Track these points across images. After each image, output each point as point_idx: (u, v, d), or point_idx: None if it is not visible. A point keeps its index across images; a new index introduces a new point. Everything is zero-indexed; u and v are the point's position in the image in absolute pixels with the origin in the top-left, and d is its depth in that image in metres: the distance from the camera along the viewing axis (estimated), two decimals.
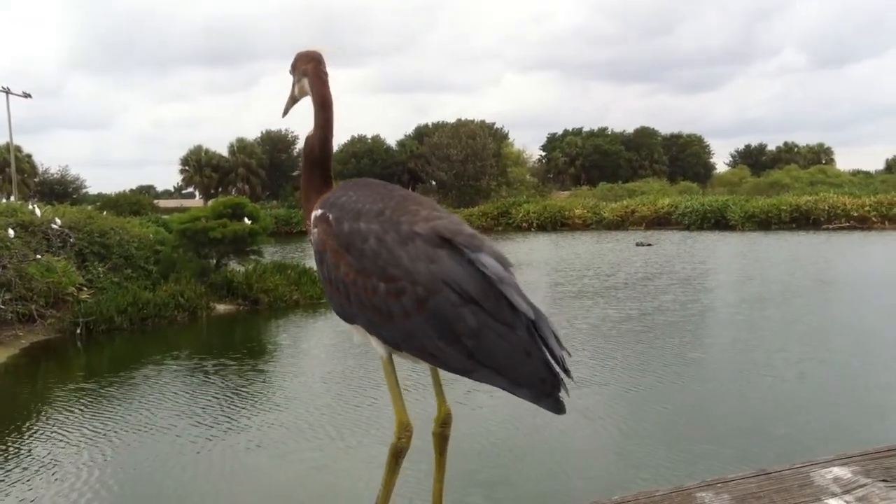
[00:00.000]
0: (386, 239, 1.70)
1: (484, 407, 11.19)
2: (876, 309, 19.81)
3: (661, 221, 54.83)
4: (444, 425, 1.86)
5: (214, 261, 23.38)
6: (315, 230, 1.89)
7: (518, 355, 1.56)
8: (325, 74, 2.05)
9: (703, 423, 11.00)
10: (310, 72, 2.05)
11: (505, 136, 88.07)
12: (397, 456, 1.81)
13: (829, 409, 11.40)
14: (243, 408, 12.26)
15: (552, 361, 1.58)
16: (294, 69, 2.11)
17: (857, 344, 15.56)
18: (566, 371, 1.59)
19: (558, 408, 1.56)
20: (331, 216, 1.85)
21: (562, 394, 1.57)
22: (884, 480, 1.43)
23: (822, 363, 14.12)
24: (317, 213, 1.91)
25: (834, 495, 1.41)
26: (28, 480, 9.29)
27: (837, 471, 1.48)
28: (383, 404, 12.09)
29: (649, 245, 39.75)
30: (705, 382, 13.16)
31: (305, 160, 2.07)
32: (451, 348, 1.60)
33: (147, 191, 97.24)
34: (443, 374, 1.81)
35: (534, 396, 1.56)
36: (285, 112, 2.23)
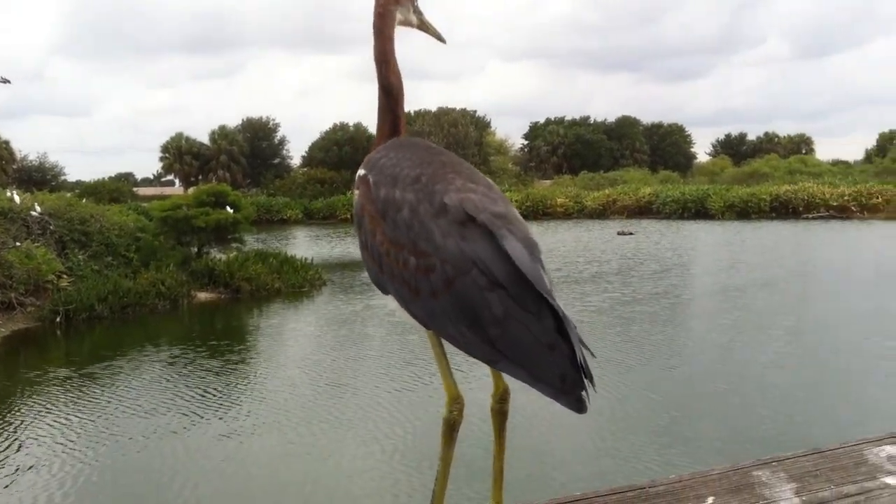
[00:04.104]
0: (419, 210, 1.65)
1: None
2: (855, 299, 20.01)
3: (642, 211, 55.00)
4: (502, 401, 1.76)
5: (196, 249, 23.27)
6: (356, 192, 1.84)
7: (541, 348, 1.50)
8: (388, 6, 2.05)
9: (686, 412, 11.07)
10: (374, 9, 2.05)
11: (487, 125, 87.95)
12: (451, 429, 1.74)
13: (806, 401, 11.52)
14: (223, 396, 12.24)
15: (576, 358, 1.51)
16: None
17: (837, 336, 15.72)
18: (589, 374, 1.53)
19: (580, 406, 1.51)
20: (371, 178, 1.80)
21: (584, 393, 1.51)
22: None
23: (800, 353, 14.26)
24: (360, 172, 1.86)
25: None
26: (5, 468, 9.26)
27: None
28: (364, 393, 12.14)
29: (631, 234, 39.89)
30: (682, 371, 13.26)
31: (378, 106, 2.07)
32: (473, 334, 1.54)
33: (126, 178, 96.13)
34: None
35: (554, 393, 1.50)
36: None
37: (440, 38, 2.24)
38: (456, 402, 1.72)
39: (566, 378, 1.48)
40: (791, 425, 10.16)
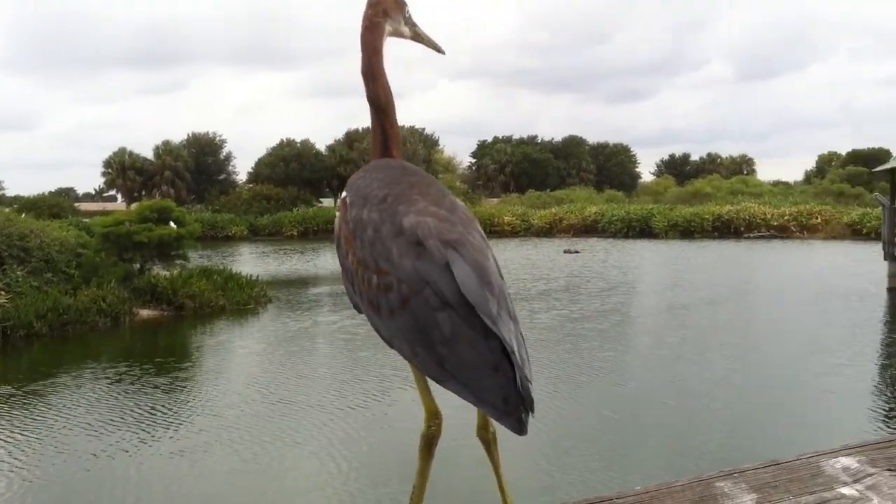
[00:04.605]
0: (381, 230, 1.65)
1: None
2: (797, 316, 20.45)
3: (588, 229, 55.50)
4: (485, 427, 1.75)
5: (138, 265, 22.85)
6: (337, 214, 1.84)
7: (486, 370, 1.49)
8: (375, 18, 1.98)
9: (626, 429, 11.18)
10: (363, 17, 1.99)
11: (435, 143, 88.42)
12: (429, 445, 1.74)
13: (751, 416, 11.70)
14: (172, 414, 12.04)
15: (519, 380, 1.49)
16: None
17: (780, 352, 16.03)
18: (529, 398, 1.50)
19: (520, 428, 1.49)
20: (348, 199, 1.81)
21: (525, 415, 1.50)
22: (889, 470, 1.48)
23: (745, 370, 14.49)
24: (342, 194, 1.87)
25: (845, 484, 1.46)
26: None
27: (845, 461, 1.53)
28: (316, 410, 12.03)
29: (577, 252, 40.25)
30: (630, 388, 13.38)
31: (371, 122, 2.02)
32: (425, 353, 1.55)
33: (67, 193, 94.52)
34: None
35: (497, 414, 1.49)
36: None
37: (438, 49, 2.19)
38: (434, 418, 1.72)
39: (509, 400, 1.48)
40: (736, 439, 10.31)
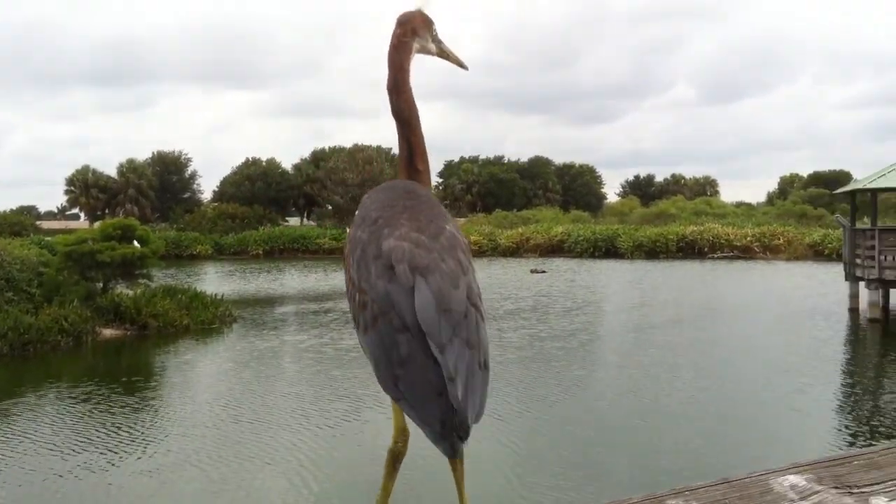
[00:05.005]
0: (367, 251, 1.73)
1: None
2: (760, 336, 20.69)
3: (554, 249, 55.87)
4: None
5: (101, 284, 22.53)
6: (349, 232, 1.91)
7: (431, 393, 1.56)
8: (403, 37, 2.04)
9: (593, 447, 11.22)
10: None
11: None
12: (395, 460, 1.82)
13: (718, 434, 11.78)
14: (131, 435, 11.81)
15: (457, 406, 1.55)
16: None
17: (744, 371, 16.19)
18: (466, 427, 1.56)
19: (452, 452, 1.58)
20: (356, 218, 1.88)
21: (458, 441, 1.57)
22: (835, 487, 1.50)
23: (712, 388, 14.61)
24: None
25: (792, 501, 1.48)
26: None
27: (793, 478, 1.54)
28: (287, 429, 11.92)
29: (543, 272, 40.45)
30: (598, 406, 13.42)
31: (397, 136, 2.07)
32: (385, 371, 1.61)
33: (29, 211, 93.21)
34: None
35: (434, 436, 1.57)
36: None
37: (462, 66, 2.27)
38: (402, 434, 1.81)
39: (445, 424, 1.55)
40: (700, 457, 10.37)
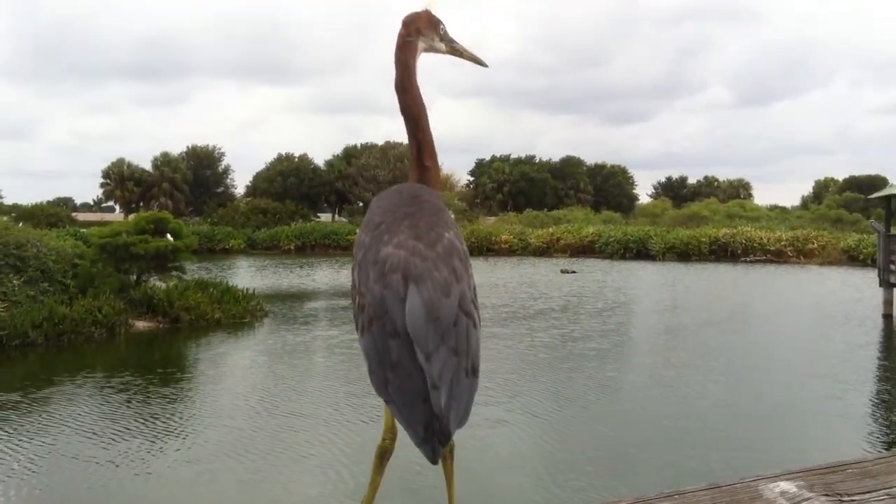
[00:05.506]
0: (368, 255, 1.77)
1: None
2: (787, 340, 20.46)
3: (584, 250, 55.58)
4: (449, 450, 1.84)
5: (134, 277, 22.77)
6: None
7: (417, 399, 1.60)
8: (407, 37, 2.06)
9: (623, 447, 11.16)
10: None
11: None
12: (382, 457, 1.89)
13: (751, 437, 11.66)
14: (168, 425, 11.94)
15: (439, 413, 1.59)
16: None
17: (776, 373, 16.01)
18: (445, 433, 1.60)
19: (433, 457, 1.62)
20: (364, 221, 1.92)
21: (438, 446, 1.61)
22: (825, 495, 1.53)
23: (746, 390, 14.46)
24: None
25: None
26: None
27: (784, 485, 1.57)
28: (310, 425, 11.97)
29: (574, 272, 40.28)
30: (629, 409, 13.35)
31: (407, 133, 2.11)
32: (377, 373, 1.66)
33: (65, 203, 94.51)
34: None
35: (417, 440, 1.61)
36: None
37: (480, 63, 2.28)
38: (390, 432, 1.88)
39: (428, 429, 1.59)
40: (731, 459, 10.27)
